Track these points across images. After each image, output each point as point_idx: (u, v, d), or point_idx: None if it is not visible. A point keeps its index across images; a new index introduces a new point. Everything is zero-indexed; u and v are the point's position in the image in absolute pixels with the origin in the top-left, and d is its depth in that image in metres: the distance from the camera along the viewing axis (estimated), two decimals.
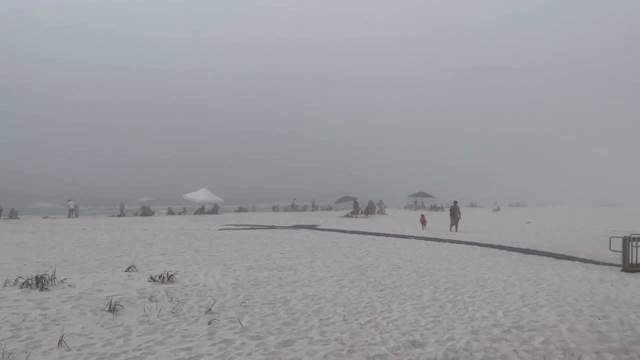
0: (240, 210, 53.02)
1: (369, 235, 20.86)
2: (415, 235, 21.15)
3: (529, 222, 32.50)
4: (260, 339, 5.93)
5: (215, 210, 47.88)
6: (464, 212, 28.45)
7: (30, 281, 8.52)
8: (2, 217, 36.92)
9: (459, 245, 17.22)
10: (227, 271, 10.81)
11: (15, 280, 8.77)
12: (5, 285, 8.50)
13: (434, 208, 55.68)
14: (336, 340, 5.94)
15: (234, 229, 24.27)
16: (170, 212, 47.50)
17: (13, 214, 37.97)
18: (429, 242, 18.19)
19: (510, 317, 7.11)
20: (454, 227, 24.46)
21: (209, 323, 6.54)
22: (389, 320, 6.86)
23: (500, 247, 16.49)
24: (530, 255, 14.68)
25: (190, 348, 5.58)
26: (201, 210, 46.93)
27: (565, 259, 14.05)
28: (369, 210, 43.56)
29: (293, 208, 56.45)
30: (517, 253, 15.24)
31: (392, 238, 19.76)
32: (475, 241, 18.44)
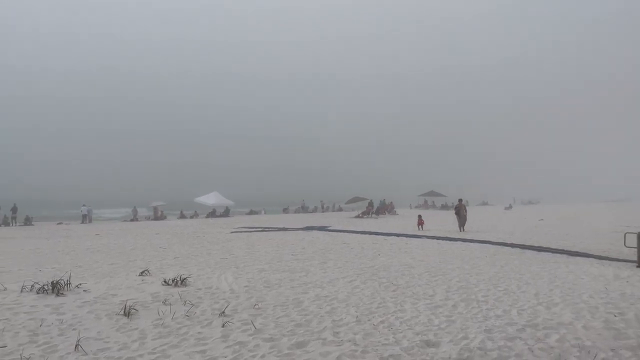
0: (251, 212, 53.20)
1: (380, 236, 20.83)
2: (427, 234, 21.08)
3: (542, 220, 32.25)
4: (273, 341, 5.95)
5: (226, 213, 48.09)
6: (475, 210, 28.27)
7: (46, 287, 8.62)
8: (17, 223, 37.40)
9: (471, 244, 17.13)
10: (239, 274, 10.86)
11: (32, 286, 8.87)
12: (22, 292, 8.60)
13: (444, 207, 55.45)
14: (349, 341, 5.95)
15: (245, 232, 24.37)
16: (182, 216, 47.76)
17: (28, 221, 38.44)
18: (440, 241, 18.13)
19: (525, 316, 7.07)
20: (461, 227, 23.21)
21: (223, 325, 6.58)
22: (402, 321, 6.85)
23: (512, 245, 16.38)
24: (543, 253, 14.57)
25: (205, 351, 5.62)
26: (212, 214, 47.15)
27: (579, 256, 13.92)
28: (380, 211, 43.50)
29: (303, 210, 56.54)
30: (530, 251, 15.13)
31: (404, 238, 19.72)
32: (487, 240, 18.34)
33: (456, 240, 18.20)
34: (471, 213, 28.28)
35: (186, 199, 51.93)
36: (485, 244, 16.92)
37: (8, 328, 6.41)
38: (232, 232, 23.97)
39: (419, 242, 17.99)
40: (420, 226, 25.02)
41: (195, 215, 48.02)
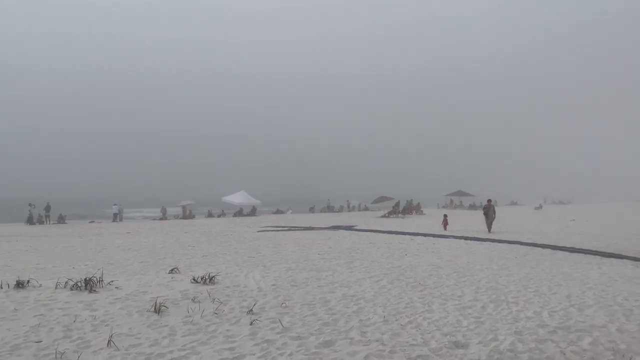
0: (277, 212, 53.50)
1: (406, 236, 20.69)
2: (455, 234, 20.83)
3: (574, 220, 31.50)
4: (301, 339, 5.98)
5: (253, 212, 48.49)
6: (504, 211, 27.77)
7: (79, 283, 8.85)
8: (51, 222, 38.50)
9: (499, 244, 16.86)
10: (266, 272, 10.94)
11: (66, 282, 9.12)
12: (56, 288, 8.86)
13: (472, 207, 54.69)
14: (377, 340, 5.93)
15: (272, 231, 24.52)
16: (210, 215, 48.37)
17: (61, 219, 39.53)
18: (468, 241, 17.89)
19: (556, 318, 6.93)
20: (489, 228, 22.57)
21: (251, 323, 6.65)
22: (430, 321, 6.80)
23: (543, 246, 16.04)
24: (575, 254, 14.23)
25: (233, 348, 5.68)
26: (239, 213, 47.60)
27: (613, 257, 13.54)
28: (406, 210, 43.20)
29: (329, 209, 56.53)
30: (562, 252, 14.79)
31: (431, 238, 19.54)
32: (516, 240, 18.01)
33: (484, 241, 17.93)
34: (500, 213, 27.81)
35: (214, 198, 52.57)
36: (514, 245, 16.62)
37: (43, 323, 6.61)
38: (258, 231, 24.15)
39: (446, 242, 17.80)
40: (445, 226, 24.53)
41: (222, 214, 48.56)
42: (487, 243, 17.24)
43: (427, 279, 10.11)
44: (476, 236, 19.83)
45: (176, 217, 46.28)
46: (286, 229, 26.37)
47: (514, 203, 69.20)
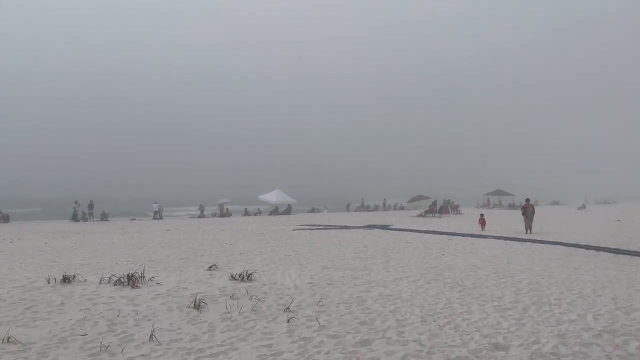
0: (312, 210, 53.66)
1: (444, 235, 20.40)
2: (493, 234, 20.41)
3: (619, 220, 30.35)
4: (338, 338, 5.99)
5: (288, 211, 48.81)
6: (545, 210, 27.02)
7: (122, 279, 9.14)
8: (95, 219, 39.84)
9: (541, 245, 16.42)
10: (302, 270, 11.00)
11: (109, 278, 9.43)
12: (100, 283, 9.17)
13: (512, 206, 53.40)
14: (415, 341, 5.88)
15: (307, 229, 24.63)
16: (246, 213, 48.97)
17: (104, 217, 40.81)
18: (508, 241, 17.49)
19: (601, 321, 6.70)
20: (528, 229, 21.55)
21: (288, 321, 6.70)
22: (469, 322, 6.69)
23: (587, 247, 15.52)
24: (621, 256, 13.71)
25: (271, 345, 5.74)
26: (275, 211, 47.99)
27: None
28: (443, 210, 42.60)
29: (364, 208, 56.29)
30: (607, 253, 14.28)
31: (469, 238, 19.21)
32: (558, 241, 17.50)
33: (525, 241, 17.50)
34: (541, 213, 27.09)
35: (250, 197, 53.17)
36: (556, 246, 16.14)
37: (89, 317, 6.86)
38: (294, 230, 24.30)
39: (485, 242, 17.46)
40: (482, 226, 23.76)
41: (258, 213, 49.08)
42: (528, 244, 16.81)
43: (466, 279, 9.94)
44: (516, 236, 19.37)
45: (213, 215, 47.04)
46: (321, 227, 26.44)
47: (555, 203, 67.20)
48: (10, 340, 5.75)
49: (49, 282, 9.28)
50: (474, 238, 19.06)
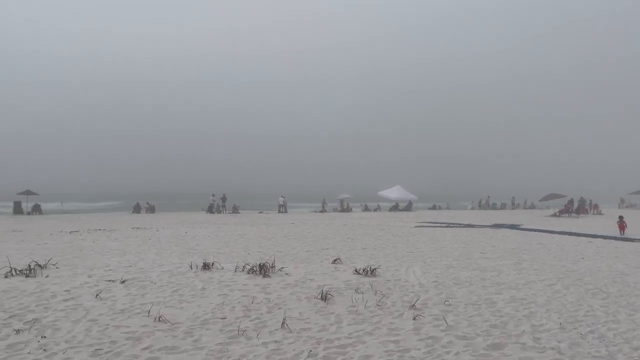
0: (433, 207, 52.41)
1: (582, 237, 18.72)
2: None
3: None
4: (467, 340, 5.79)
5: (408, 207, 48.21)
6: None
7: (254, 268, 9.72)
8: (227, 211, 42.93)
9: None
10: (426, 268, 10.80)
11: (243, 267, 10.10)
12: (235, 271, 9.85)
13: None
14: (553, 348, 5.48)
15: (429, 227, 24.12)
16: (366, 209, 49.32)
17: (235, 209, 43.76)
18: None
19: None
20: None
21: (414, 318, 6.62)
22: (616, 332, 6.07)
23: None
24: None
25: (398, 341, 5.72)
26: (395, 207, 47.68)
27: None
28: (581, 209, 39.07)
29: (489, 206, 53.64)
30: None
31: (612, 241, 17.40)
32: None
33: None
34: None
35: (370, 193, 53.42)
36: None
37: (227, 302, 7.39)
38: (415, 227, 23.93)
39: (632, 246, 15.69)
40: (621, 231, 20.55)
41: (378, 209, 49.14)
42: None
43: (611, 285, 9.03)
44: None
45: (334, 210, 48.05)
46: (444, 225, 25.72)
47: None
48: (161, 319, 6.40)
49: (191, 268, 10.18)
50: (618, 241, 17.21)
